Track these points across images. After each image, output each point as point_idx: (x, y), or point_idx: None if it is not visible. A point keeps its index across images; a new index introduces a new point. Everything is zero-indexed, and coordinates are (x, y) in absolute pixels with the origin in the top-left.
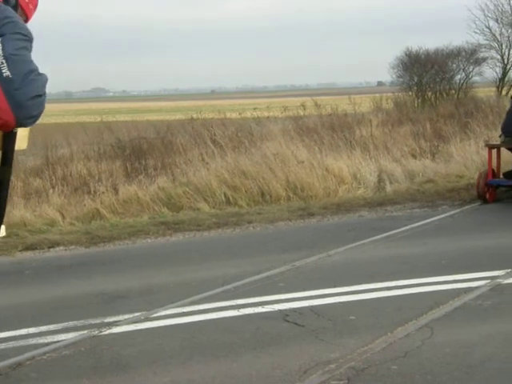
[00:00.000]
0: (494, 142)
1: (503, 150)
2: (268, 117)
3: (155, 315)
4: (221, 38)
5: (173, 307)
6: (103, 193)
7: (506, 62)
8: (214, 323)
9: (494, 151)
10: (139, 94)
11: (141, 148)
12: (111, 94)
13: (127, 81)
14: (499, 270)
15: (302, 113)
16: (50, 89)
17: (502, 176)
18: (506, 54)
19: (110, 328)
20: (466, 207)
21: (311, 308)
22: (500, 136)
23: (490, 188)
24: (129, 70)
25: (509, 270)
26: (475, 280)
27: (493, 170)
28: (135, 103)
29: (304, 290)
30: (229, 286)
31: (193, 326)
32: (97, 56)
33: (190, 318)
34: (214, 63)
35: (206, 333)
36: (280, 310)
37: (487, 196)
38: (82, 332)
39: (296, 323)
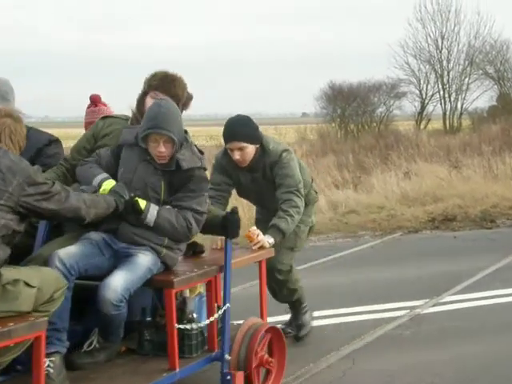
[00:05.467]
0: None
1: None
2: (195, 145)
3: None
4: (145, 66)
5: None
6: None
7: (424, 96)
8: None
9: None
10: (63, 120)
11: None
12: (33, 119)
13: (49, 106)
14: (418, 299)
15: None
16: None
17: None
18: (424, 89)
19: None
20: (387, 237)
21: None
22: None
23: None
24: (51, 96)
25: (427, 300)
26: (395, 310)
27: None
28: (58, 129)
29: None
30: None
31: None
32: (16, 80)
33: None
34: (138, 89)
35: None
36: None
37: None
38: None
39: None
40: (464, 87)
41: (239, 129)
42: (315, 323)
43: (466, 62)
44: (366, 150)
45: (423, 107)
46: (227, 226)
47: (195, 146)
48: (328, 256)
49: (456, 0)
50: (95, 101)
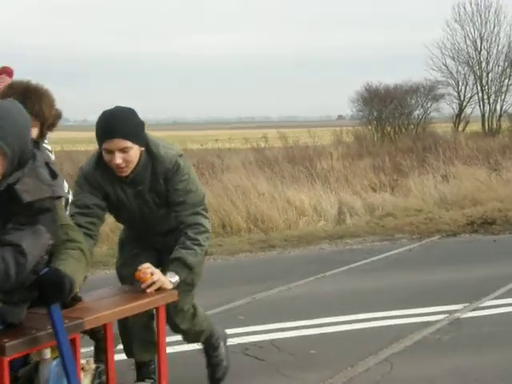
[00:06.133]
0: None
1: None
2: (230, 148)
3: None
4: (182, 70)
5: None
6: None
7: (462, 98)
8: (177, 357)
9: None
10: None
11: None
12: (71, 122)
13: (88, 110)
14: (457, 304)
15: (263, 145)
16: None
17: None
18: (463, 91)
19: None
20: (425, 241)
21: (271, 341)
22: None
23: None
24: (89, 100)
25: (466, 304)
26: (434, 314)
27: None
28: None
29: (264, 323)
30: None
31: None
32: (58, 84)
33: None
34: (174, 94)
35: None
36: (240, 344)
37: None
38: None
39: (256, 357)
40: (503, 89)
41: (121, 123)
42: (353, 326)
43: (506, 64)
44: (403, 153)
45: (461, 109)
46: (41, 289)
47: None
48: (365, 259)
49: (496, 0)
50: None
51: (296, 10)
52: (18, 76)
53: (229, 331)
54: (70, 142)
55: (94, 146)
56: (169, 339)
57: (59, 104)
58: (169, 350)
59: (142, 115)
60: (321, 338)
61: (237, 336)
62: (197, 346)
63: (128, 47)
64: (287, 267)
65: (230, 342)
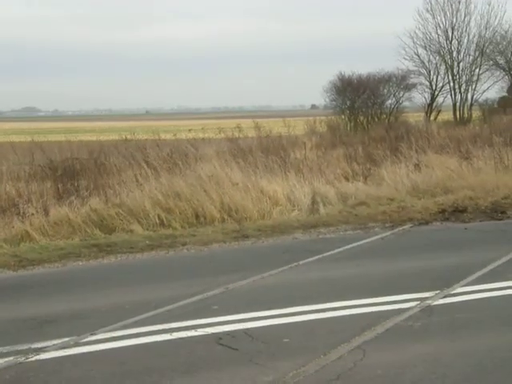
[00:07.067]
0: None
1: None
2: (203, 138)
3: (85, 340)
4: (155, 60)
5: (104, 331)
6: (33, 214)
7: (434, 88)
8: (147, 348)
9: None
10: (73, 113)
11: (73, 169)
12: (43, 113)
13: (59, 100)
14: (429, 291)
15: (237, 135)
16: None
17: None
18: (434, 80)
19: (37, 354)
20: (397, 229)
21: (245, 331)
22: None
23: None
24: (62, 90)
25: (437, 292)
26: (406, 301)
27: None
28: (67, 123)
29: (238, 312)
30: (162, 310)
31: (124, 350)
32: (29, 75)
33: (122, 342)
34: (147, 84)
35: (137, 358)
36: (213, 334)
37: None
38: (7, 359)
39: (230, 346)
40: (474, 78)
41: None
42: (326, 315)
43: (477, 53)
44: (376, 142)
45: (433, 98)
46: None
47: None
48: (338, 248)
49: None
50: None
51: None
52: None
53: (202, 321)
54: (42, 132)
55: (64, 137)
56: (134, 331)
57: (31, 95)
58: (133, 342)
59: (114, 105)
60: (294, 327)
61: (210, 326)
62: (165, 336)
63: (101, 37)
64: (261, 257)
65: (204, 331)
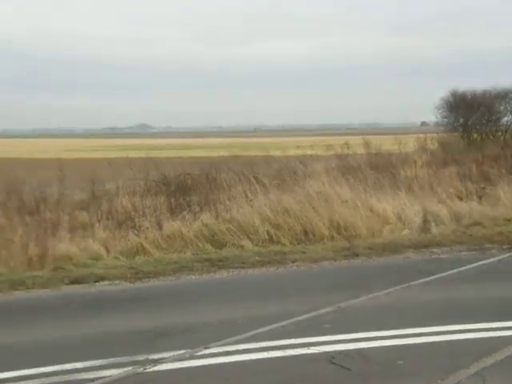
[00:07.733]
0: None
1: None
2: (311, 155)
3: (199, 353)
4: (261, 78)
5: (217, 346)
6: (147, 228)
7: None
8: (259, 363)
9: None
10: (184, 130)
11: (185, 184)
12: (155, 130)
13: (171, 117)
14: None
15: (345, 151)
16: (96, 124)
17: None
18: None
19: (154, 365)
20: None
21: (358, 351)
22: None
23: None
24: (173, 107)
25: None
26: None
27: None
28: (179, 139)
29: (350, 332)
30: (274, 326)
31: (237, 365)
32: (143, 93)
33: (235, 357)
34: (255, 101)
35: (250, 373)
36: (326, 352)
37: None
38: (126, 368)
39: (342, 366)
40: None
41: None
42: (442, 338)
43: None
44: (491, 160)
45: None
46: None
47: None
48: (452, 269)
49: None
50: None
51: (373, 10)
52: None
53: (314, 339)
54: (155, 148)
55: (176, 153)
56: (246, 346)
57: (144, 112)
58: (246, 357)
59: (222, 122)
60: (408, 349)
61: (322, 344)
62: (277, 353)
63: (206, 52)
64: (372, 276)
65: (316, 349)
